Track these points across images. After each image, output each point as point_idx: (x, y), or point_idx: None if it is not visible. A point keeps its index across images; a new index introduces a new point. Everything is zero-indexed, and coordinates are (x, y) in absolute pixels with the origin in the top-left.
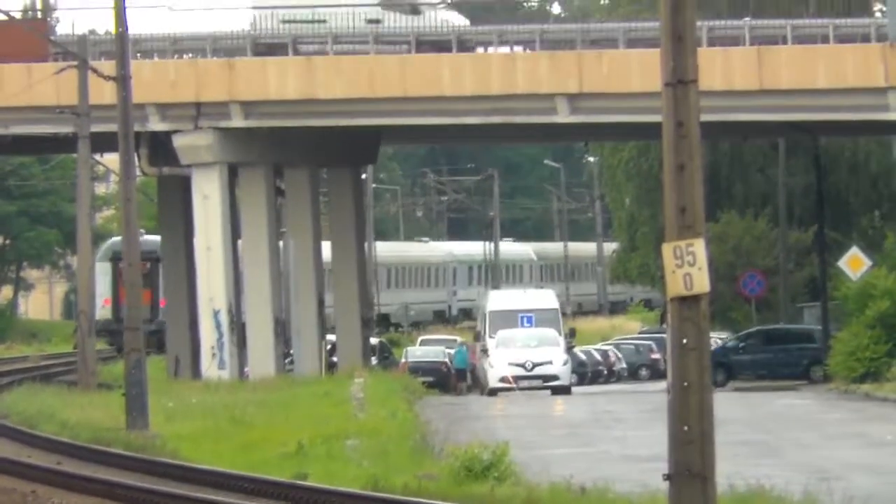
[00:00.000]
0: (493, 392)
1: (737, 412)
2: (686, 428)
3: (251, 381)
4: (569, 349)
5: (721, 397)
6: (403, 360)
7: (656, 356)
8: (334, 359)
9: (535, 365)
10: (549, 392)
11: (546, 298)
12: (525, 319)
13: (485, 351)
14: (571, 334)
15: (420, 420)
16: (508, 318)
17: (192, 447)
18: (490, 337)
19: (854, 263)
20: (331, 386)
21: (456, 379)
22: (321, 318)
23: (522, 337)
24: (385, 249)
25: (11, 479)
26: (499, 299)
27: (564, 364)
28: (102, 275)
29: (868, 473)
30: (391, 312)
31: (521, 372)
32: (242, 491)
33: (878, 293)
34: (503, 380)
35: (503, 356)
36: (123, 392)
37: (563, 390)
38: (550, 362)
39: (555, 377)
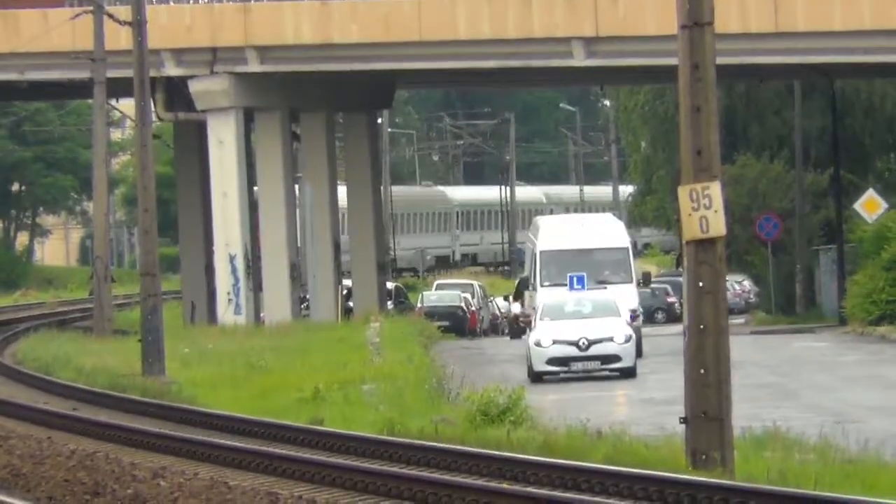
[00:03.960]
0: (539, 377)
1: (753, 355)
2: (702, 371)
3: (267, 326)
4: (633, 318)
5: (737, 340)
6: (419, 304)
7: (672, 299)
8: (350, 303)
9: (590, 343)
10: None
11: (613, 231)
12: (576, 281)
13: (527, 322)
14: (646, 280)
15: (436, 364)
16: (566, 261)
17: (208, 393)
18: (543, 286)
19: (870, 206)
20: (347, 331)
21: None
22: (337, 263)
23: (573, 304)
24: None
25: (27, 425)
26: (552, 234)
27: (627, 341)
28: None
29: (884, 415)
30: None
31: (573, 352)
32: (259, 436)
33: (894, 235)
34: (550, 362)
35: (550, 331)
36: (139, 338)
37: (627, 373)
38: (611, 339)
39: (615, 357)
